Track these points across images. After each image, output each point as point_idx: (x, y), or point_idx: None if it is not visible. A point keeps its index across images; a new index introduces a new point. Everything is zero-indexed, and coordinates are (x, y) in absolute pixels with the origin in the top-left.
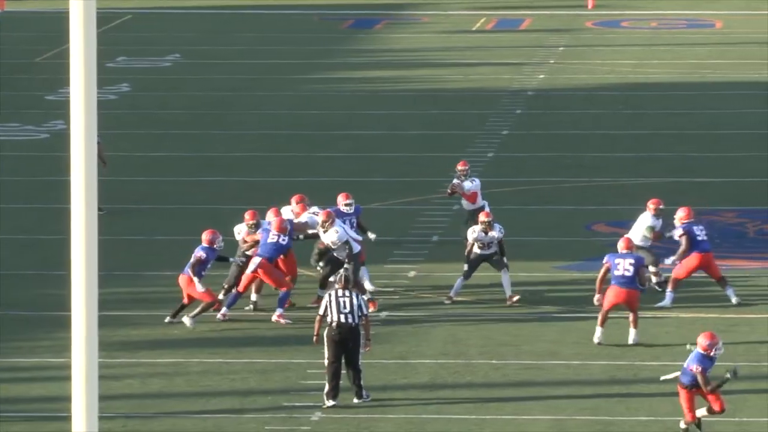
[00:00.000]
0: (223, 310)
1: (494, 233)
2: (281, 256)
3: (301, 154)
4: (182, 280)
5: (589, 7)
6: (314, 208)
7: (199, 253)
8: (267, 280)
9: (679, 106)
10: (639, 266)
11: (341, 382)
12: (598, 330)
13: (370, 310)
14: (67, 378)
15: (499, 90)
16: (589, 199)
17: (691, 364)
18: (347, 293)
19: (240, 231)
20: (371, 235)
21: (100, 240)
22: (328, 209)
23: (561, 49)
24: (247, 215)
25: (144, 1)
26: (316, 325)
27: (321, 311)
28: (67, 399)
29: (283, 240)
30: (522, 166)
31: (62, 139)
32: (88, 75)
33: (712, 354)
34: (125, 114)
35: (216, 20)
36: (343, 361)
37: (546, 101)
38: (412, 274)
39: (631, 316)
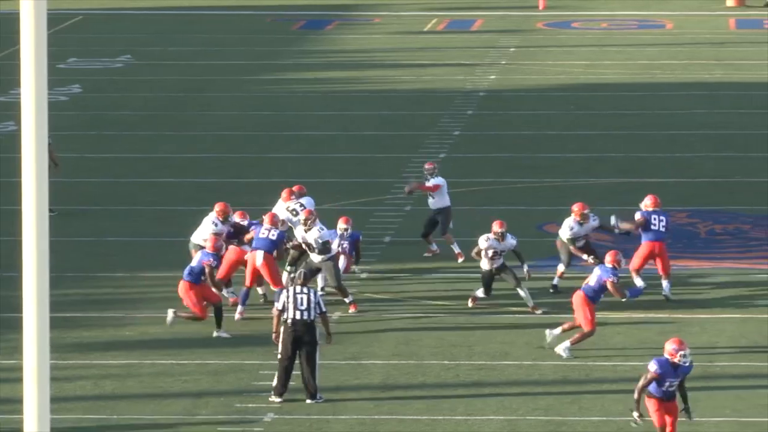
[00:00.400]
0: (239, 308)
1: (509, 241)
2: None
3: (253, 155)
4: (182, 287)
5: (540, 8)
6: (293, 204)
7: (209, 260)
8: (266, 273)
9: (630, 106)
10: (604, 280)
11: (292, 383)
12: (554, 332)
13: (351, 311)
14: (19, 380)
15: (452, 91)
16: (541, 200)
17: (651, 366)
18: (305, 290)
19: (217, 223)
20: (359, 270)
21: (51, 241)
22: (310, 209)
23: (512, 49)
24: (217, 206)
25: (95, 2)
26: (275, 320)
27: (279, 306)
28: (19, 401)
29: (273, 234)
30: (474, 166)
31: (13, 141)
32: (39, 76)
33: (676, 359)
34: (76, 115)
35: (167, 21)
36: (297, 360)
37: (498, 102)
38: (364, 275)
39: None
